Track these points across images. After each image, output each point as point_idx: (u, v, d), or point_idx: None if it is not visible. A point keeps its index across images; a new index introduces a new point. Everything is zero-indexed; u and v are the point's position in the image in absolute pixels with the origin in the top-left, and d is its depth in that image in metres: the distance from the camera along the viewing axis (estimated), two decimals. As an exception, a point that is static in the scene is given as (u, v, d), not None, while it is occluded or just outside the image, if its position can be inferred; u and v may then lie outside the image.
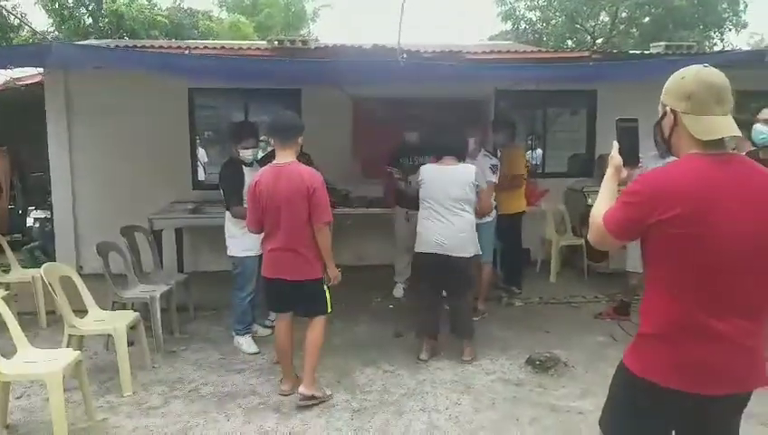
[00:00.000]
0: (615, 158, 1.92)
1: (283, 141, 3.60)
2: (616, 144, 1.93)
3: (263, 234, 3.66)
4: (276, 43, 5.24)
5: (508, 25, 20.43)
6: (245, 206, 4.07)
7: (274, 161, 3.63)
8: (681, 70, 1.78)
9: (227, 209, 4.42)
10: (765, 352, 1.80)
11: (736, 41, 19.23)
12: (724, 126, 1.72)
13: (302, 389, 3.61)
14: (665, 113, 1.82)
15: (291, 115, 3.92)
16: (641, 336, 1.86)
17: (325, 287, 3.65)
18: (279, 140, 3.62)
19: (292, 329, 3.75)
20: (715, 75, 1.75)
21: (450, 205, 4.11)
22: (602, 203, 1.88)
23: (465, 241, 4.15)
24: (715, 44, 18.08)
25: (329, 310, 3.69)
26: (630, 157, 1.92)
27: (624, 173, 1.91)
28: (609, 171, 1.95)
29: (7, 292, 4.65)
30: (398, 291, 5.89)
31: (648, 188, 1.74)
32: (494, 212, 5.08)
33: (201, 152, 7.90)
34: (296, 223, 3.48)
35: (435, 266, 4.16)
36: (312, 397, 3.61)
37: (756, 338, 1.75)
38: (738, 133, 1.74)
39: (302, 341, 3.66)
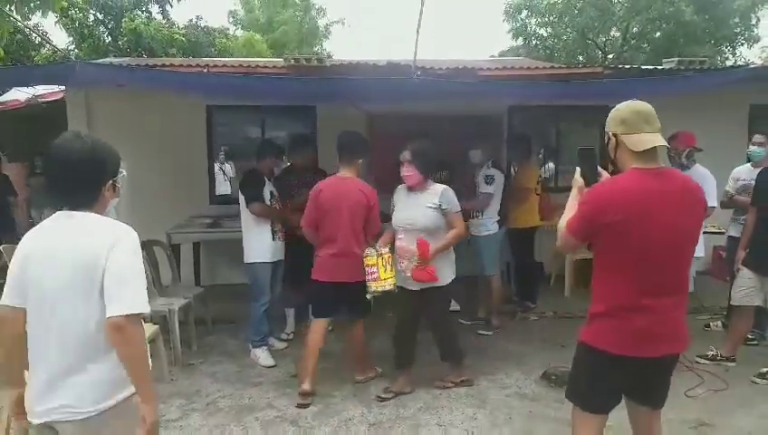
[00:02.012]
0: (578, 180, 2.43)
1: (346, 159, 3.99)
2: (578, 169, 2.44)
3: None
4: (293, 61, 5.35)
5: (519, 41, 20.53)
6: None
7: (338, 174, 4.00)
8: (618, 105, 2.33)
9: (247, 207, 4.52)
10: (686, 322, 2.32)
11: (749, 55, 19.16)
12: (653, 139, 2.22)
13: (358, 377, 4.16)
14: (608, 139, 2.33)
15: (357, 137, 4.15)
16: (594, 316, 2.31)
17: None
18: (343, 157, 3.99)
19: (327, 332, 4.04)
20: (642, 104, 2.30)
21: None
22: (567, 215, 2.36)
23: None
24: (727, 59, 18.04)
25: (370, 310, 4.00)
26: (591, 178, 2.40)
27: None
28: (574, 192, 2.44)
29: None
30: None
31: (598, 197, 2.25)
32: (495, 225, 5.15)
33: (227, 167, 8.04)
34: (355, 231, 3.88)
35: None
36: (369, 378, 4.16)
37: (679, 310, 2.28)
38: (664, 144, 2.25)
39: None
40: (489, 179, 5.07)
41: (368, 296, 3.84)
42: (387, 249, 3.82)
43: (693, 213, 2.27)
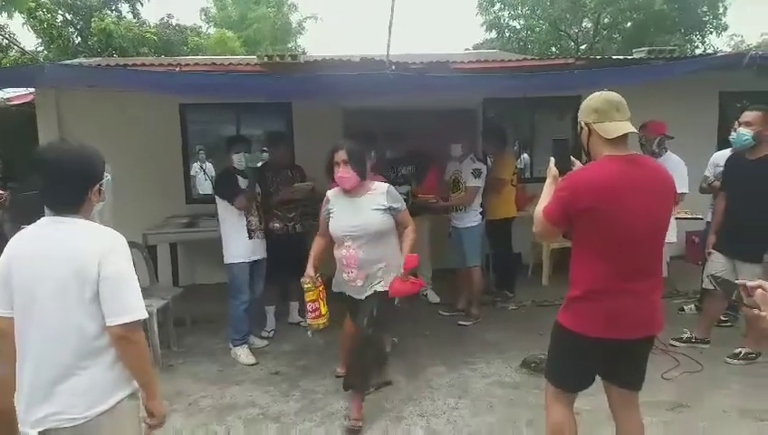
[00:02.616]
0: (552, 169, 2.52)
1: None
2: (552, 158, 2.51)
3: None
4: (266, 58, 5.30)
5: (493, 34, 20.67)
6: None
7: None
8: (590, 96, 2.41)
9: (232, 205, 4.49)
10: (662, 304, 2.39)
11: (718, 43, 19.55)
12: (623, 126, 2.30)
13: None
14: (581, 128, 2.40)
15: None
16: (572, 299, 2.38)
17: None
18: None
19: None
20: (612, 94, 2.37)
21: None
22: (543, 203, 2.42)
23: None
24: (697, 47, 18.35)
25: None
26: (565, 166, 2.50)
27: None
28: (549, 180, 2.51)
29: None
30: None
31: (574, 184, 2.31)
32: (478, 217, 5.21)
33: (208, 166, 7.97)
34: None
35: None
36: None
37: (656, 292, 2.36)
38: (634, 130, 2.31)
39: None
40: (477, 173, 5.12)
41: (309, 334, 3.79)
42: (319, 277, 3.56)
43: (664, 198, 2.34)
